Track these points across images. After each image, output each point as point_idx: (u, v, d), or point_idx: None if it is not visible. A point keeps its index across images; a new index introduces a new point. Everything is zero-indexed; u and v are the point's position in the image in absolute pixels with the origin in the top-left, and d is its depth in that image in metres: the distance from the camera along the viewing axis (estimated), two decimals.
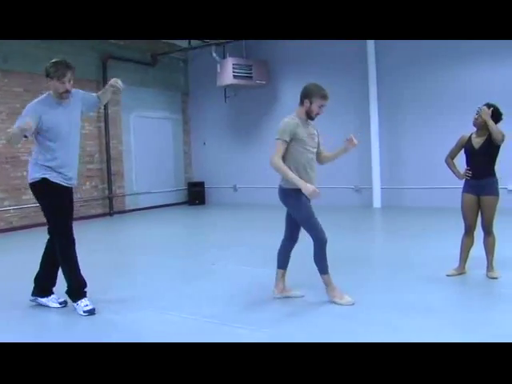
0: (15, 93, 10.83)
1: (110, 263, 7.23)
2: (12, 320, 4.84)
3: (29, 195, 10.88)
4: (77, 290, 5.02)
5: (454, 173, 5.81)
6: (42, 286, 5.20)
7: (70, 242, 4.99)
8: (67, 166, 4.98)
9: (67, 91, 4.89)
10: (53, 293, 5.21)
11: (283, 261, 5.21)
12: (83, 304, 4.94)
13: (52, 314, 5.01)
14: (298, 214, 4.90)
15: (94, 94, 5.32)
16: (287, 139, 4.77)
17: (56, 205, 4.96)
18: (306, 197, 4.77)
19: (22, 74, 10.86)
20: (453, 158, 5.85)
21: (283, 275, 5.20)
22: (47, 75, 4.87)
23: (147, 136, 14.32)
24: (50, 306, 5.13)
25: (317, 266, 4.93)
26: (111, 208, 13.21)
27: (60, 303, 5.13)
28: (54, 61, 4.90)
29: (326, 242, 4.86)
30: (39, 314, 5.00)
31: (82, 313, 4.89)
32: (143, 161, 14.18)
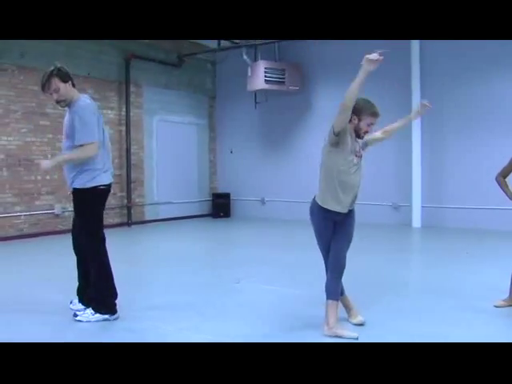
0: (31, 91, 10.88)
1: (125, 276, 7.14)
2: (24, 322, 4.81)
3: (42, 201, 11.08)
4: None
5: (506, 193, 5.60)
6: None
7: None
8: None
9: (57, 102, 5.11)
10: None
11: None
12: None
13: (55, 317, 4.98)
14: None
15: (76, 143, 5.04)
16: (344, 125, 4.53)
17: None
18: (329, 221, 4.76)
19: (39, 70, 10.82)
20: (505, 177, 5.65)
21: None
22: None
23: (170, 142, 14.30)
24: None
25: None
26: (129, 218, 13.19)
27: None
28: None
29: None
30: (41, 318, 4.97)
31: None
32: (165, 168, 14.16)
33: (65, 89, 5.01)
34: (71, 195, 5.25)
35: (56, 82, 4.97)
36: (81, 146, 4.98)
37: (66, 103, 5.09)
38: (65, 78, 5.00)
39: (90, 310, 5.17)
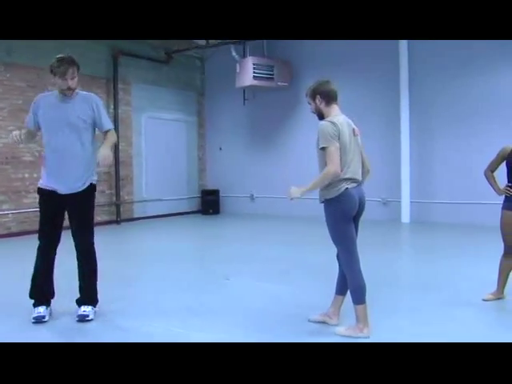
0: (18, 88, 10.85)
1: (115, 274, 7.14)
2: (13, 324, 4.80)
3: (30, 199, 11.03)
4: None
5: (493, 187, 5.63)
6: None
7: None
8: (56, 170, 5.07)
9: (69, 89, 5.02)
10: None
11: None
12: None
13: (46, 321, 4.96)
14: None
15: (105, 128, 5.21)
16: None
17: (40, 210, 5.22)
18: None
19: (26, 67, 10.87)
20: (493, 171, 5.67)
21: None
22: (51, 71, 5.02)
23: (159, 139, 14.27)
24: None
25: None
26: (118, 215, 13.16)
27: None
28: (58, 57, 5.02)
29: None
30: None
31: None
32: (154, 165, 14.13)
33: (77, 78, 5.08)
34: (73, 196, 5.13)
35: (75, 70, 5.01)
36: (108, 131, 5.20)
37: (74, 93, 5.09)
38: (79, 68, 5.07)
39: (90, 307, 5.15)
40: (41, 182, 5.17)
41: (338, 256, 4.83)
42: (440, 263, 7.80)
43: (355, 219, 4.68)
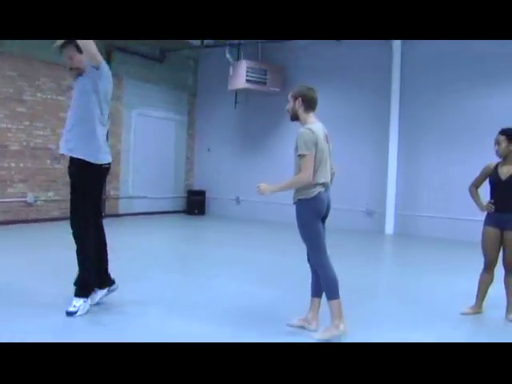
0: (9, 77, 10.81)
1: None
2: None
3: (15, 188, 10.97)
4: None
5: (477, 203, 5.69)
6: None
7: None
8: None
9: (71, 69, 5.16)
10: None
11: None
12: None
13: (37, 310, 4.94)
14: None
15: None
16: None
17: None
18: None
19: (18, 57, 10.82)
20: (477, 188, 5.74)
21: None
22: None
23: (148, 136, 14.27)
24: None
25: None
26: (103, 210, 13.08)
27: None
28: None
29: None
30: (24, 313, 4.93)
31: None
32: (142, 163, 14.12)
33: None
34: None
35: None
36: None
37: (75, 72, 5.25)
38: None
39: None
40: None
41: (308, 259, 4.92)
42: (419, 276, 7.82)
43: (323, 221, 4.82)
